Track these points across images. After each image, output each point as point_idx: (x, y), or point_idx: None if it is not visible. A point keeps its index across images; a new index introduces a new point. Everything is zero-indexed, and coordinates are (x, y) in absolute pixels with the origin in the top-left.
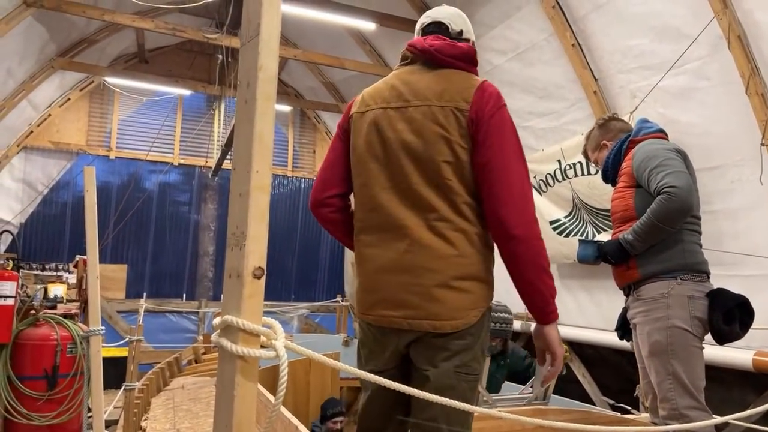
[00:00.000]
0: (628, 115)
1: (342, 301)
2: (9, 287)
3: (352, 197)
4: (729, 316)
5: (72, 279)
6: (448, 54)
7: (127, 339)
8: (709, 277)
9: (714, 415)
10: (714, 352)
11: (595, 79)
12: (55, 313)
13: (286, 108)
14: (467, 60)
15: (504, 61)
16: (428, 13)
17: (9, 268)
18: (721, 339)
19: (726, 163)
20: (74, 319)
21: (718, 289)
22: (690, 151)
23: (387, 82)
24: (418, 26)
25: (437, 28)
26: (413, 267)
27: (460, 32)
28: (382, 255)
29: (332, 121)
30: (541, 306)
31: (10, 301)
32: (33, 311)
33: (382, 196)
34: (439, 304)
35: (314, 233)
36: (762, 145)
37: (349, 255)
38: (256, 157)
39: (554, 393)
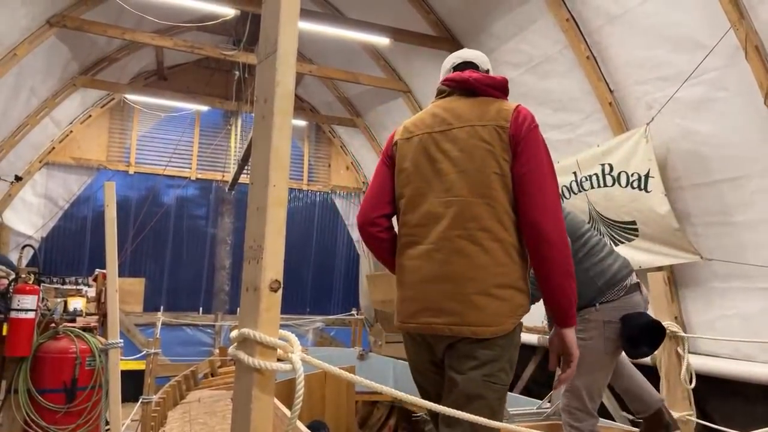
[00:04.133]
0: (645, 126)
1: (357, 314)
2: (30, 301)
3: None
4: (637, 337)
5: (91, 292)
6: (486, 84)
7: (144, 352)
8: (628, 283)
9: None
10: (737, 367)
11: (611, 91)
12: (74, 327)
13: (301, 123)
14: (501, 89)
15: (518, 74)
16: (457, 53)
17: (30, 282)
18: (631, 357)
19: (746, 173)
20: (93, 332)
21: (631, 314)
22: (709, 162)
23: (427, 112)
24: (447, 65)
25: (468, 66)
26: (454, 276)
27: (487, 71)
28: (425, 266)
29: (347, 135)
30: (566, 308)
31: (31, 315)
32: (53, 324)
33: (430, 211)
34: (479, 311)
35: (329, 246)
36: None
37: (365, 268)
38: (273, 172)
39: None
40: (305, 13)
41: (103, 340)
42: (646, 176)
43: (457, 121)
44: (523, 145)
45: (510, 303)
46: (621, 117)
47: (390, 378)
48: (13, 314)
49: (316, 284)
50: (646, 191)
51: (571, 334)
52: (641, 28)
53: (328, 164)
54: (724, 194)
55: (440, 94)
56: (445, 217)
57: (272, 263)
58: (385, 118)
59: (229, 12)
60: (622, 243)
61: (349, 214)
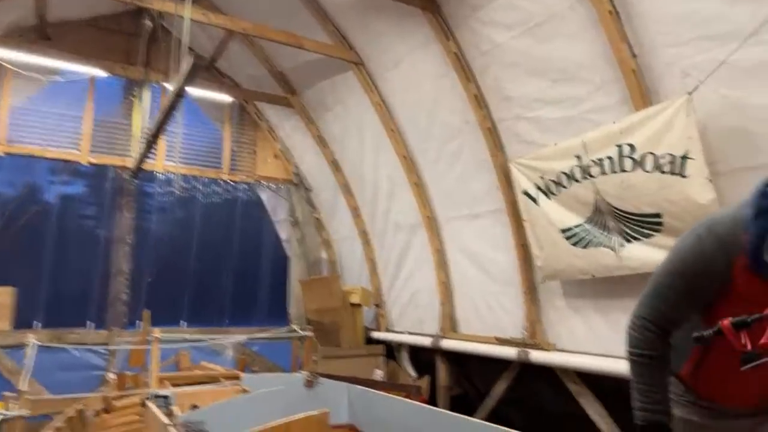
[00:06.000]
0: (686, 96)
1: (300, 330)
2: None
3: None
4: None
5: None
6: None
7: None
8: None
9: None
10: None
11: (634, 56)
12: None
13: (225, 98)
14: None
15: (509, 38)
16: None
17: None
18: None
19: None
20: None
21: None
22: (759, 142)
23: None
24: None
25: None
26: None
27: None
28: None
29: (276, 118)
30: None
31: None
32: None
33: None
34: None
35: (253, 246)
36: None
37: (295, 272)
38: None
39: None
40: None
41: None
42: (683, 158)
43: None
44: None
45: None
46: (645, 88)
47: (344, 406)
48: None
49: (238, 291)
50: (683, 176)
51: None
52: None
53: (254, 151)
54: None
55: None
56: None
57: None
58: (328, 96)
59: None
60: (637, 240)
61: (277, 209)
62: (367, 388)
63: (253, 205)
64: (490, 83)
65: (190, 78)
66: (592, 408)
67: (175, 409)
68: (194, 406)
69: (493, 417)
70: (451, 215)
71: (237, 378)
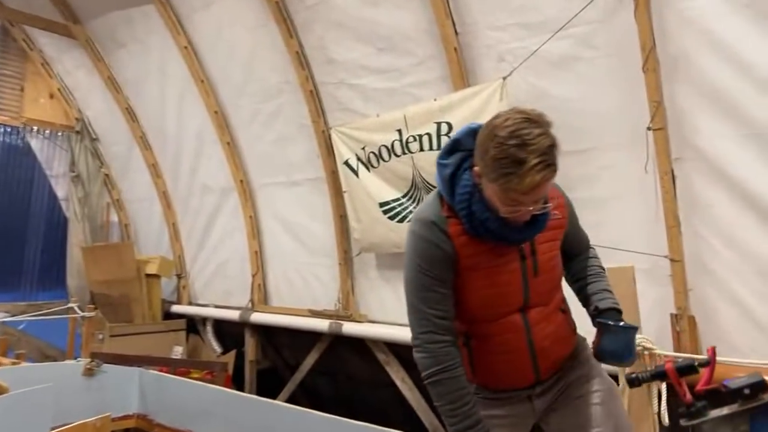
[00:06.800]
0: (501, 80)
1: (79, 309)
2: None
3: None
4: None
5: None
6: None
7: None
8: None
9: None
10: None
11: (456, 33)
12: None
13: None
14: None
15: None
16: None
17: None
18: None
19: (597, 146)
20: None
21: None
22: (559, 130)
23: None
24: None
25: None
26: None
27: None
28: None
29: (53, 49)
30: None
31: None
32: None
33: None
34: None
35: (20, 204)
36: (648, 129)
37: (75, 237)
38: None
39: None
40: None
41: None
42: None
43: None
44: None
45: None
46: (464, 68)
47: (134, 394)
48: None
49: None
50: None
51: None
52: None
53: (21, 87)
54: (568, 168)
55: None
56: None
57: None
58: (123, 31)
59: None
60: None
61: (53, 160)
62: (159, 373)
63: (20, 153)
64: (313, 42)
65: None
66: (397, 375)
67: None
68: None
69: (302, 389)
70: (266, 181)
71: None
